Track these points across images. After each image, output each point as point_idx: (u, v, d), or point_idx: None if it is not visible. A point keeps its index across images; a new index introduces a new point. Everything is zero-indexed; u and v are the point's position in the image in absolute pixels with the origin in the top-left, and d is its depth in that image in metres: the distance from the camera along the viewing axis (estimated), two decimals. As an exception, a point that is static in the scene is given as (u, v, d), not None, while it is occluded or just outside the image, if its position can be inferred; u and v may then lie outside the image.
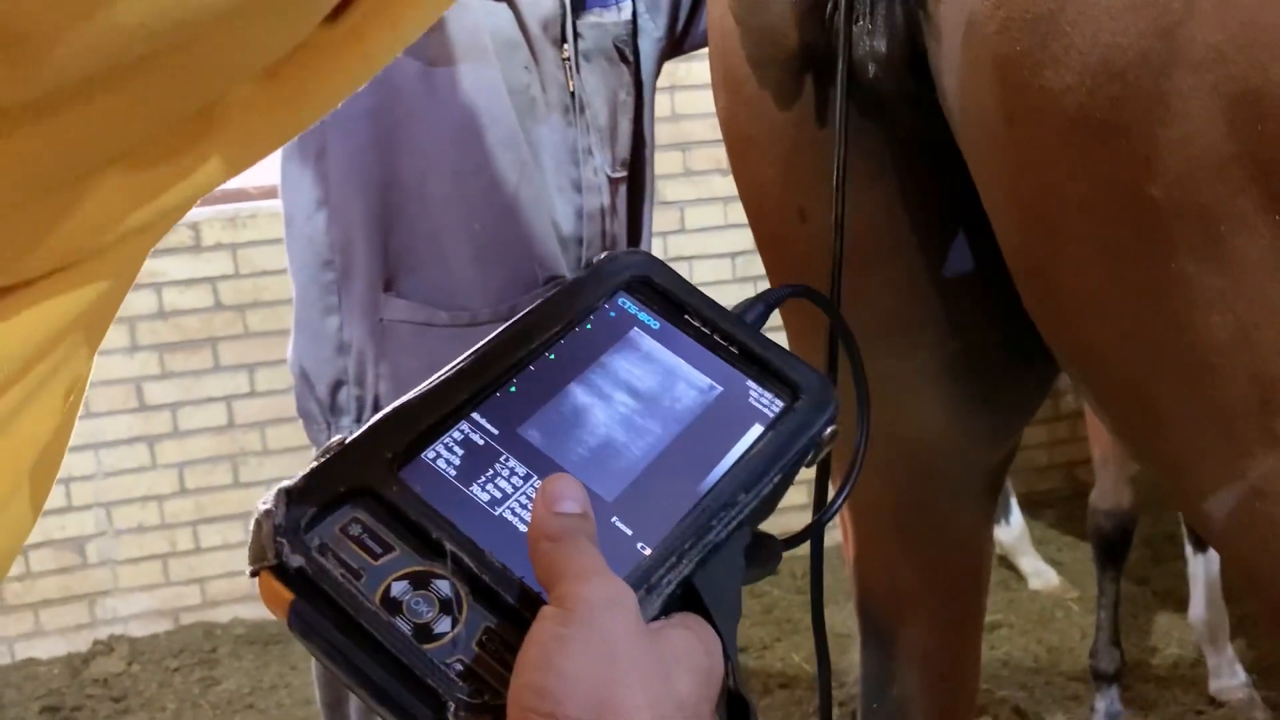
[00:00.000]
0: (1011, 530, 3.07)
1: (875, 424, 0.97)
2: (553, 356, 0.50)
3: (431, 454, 0.46)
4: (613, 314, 0.52)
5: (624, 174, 1.36)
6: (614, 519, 0.45)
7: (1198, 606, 2.42)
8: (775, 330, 0.63)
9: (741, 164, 0.96)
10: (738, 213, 1.15)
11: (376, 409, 1.20)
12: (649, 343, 0.52)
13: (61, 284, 0.37)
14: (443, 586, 0.42)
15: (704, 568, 0.45)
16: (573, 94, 1.28)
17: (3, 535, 0.43)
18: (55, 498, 2.87)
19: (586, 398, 0.49)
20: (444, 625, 0.41)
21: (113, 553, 2.95)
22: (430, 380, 0.48)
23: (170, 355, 2.93)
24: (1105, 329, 0.69)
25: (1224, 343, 0.61)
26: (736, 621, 0.46)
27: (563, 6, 1.26)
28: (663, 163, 3.13)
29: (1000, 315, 0.88)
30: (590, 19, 1.30)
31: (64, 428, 0.46)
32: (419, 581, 0.42)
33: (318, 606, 0.41)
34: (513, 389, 0.49)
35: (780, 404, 0.50)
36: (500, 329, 0.51)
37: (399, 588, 0.41)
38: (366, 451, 0.45)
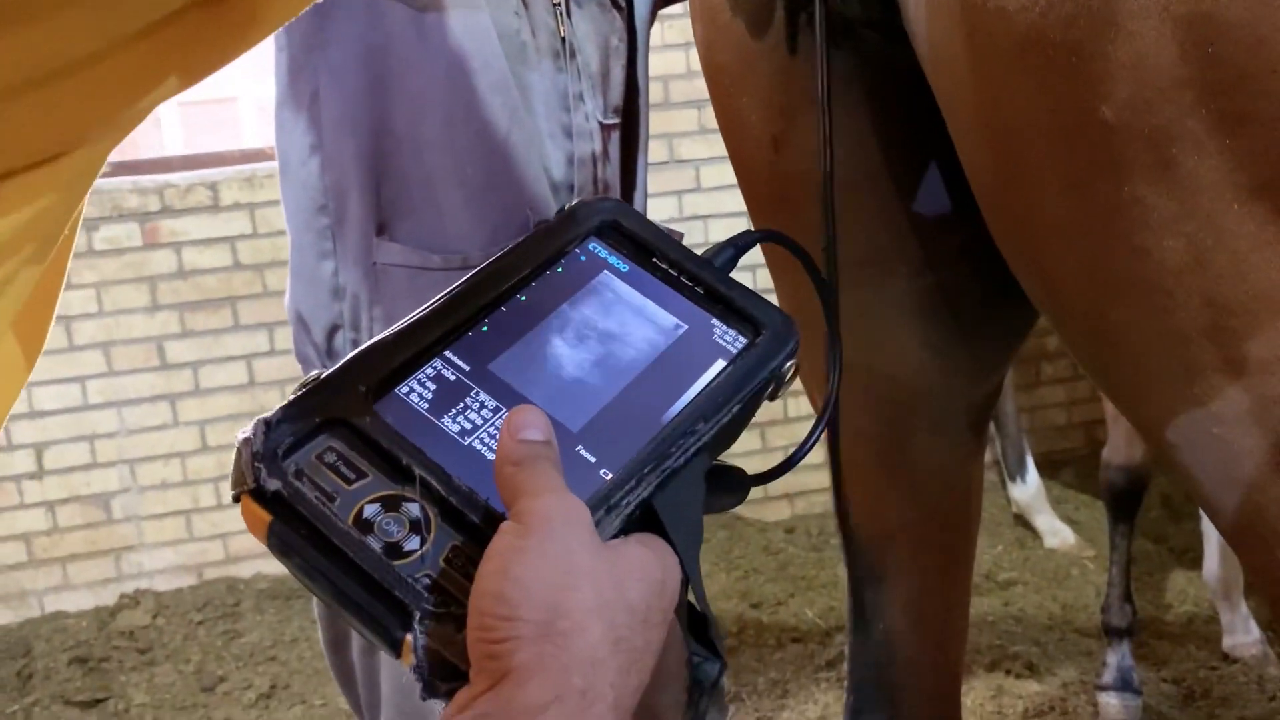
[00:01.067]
0: (1027, 488, 3.07)
1: (854, 356, 0.97)
2: (524, 298, 0.52)
3: (405, 389, 0.48)
4: (583, 258, 0.54)
5: (616, 121, 1.35)
6: (578, 448, 0.47)
7: (1211, 562, 2.41)
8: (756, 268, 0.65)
9: (717, 94, 0.95)
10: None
11: None
12: (617, 284, 0.54)
13: (17, 189, 0.40)
14: (412, 509, 0.44)
15: (663, 491, 0.47)
16: (563, 39, 1.28)
17: None
18: (80, 454, 2.94)
19: (555, 336, 0.51)
20: (413, 544, 0.43)
21: (137, 509, 3.00)
22: (405, 320, 0.50)
23: (191, 314, 2.96)
24: (1063, 256, 0.69)
25: (1177, 267, 0.61)
26: (698, 543, 0.48)
27: None
28: (678, 120, 3.12)
29: (975, 249, 0.87)
30: None
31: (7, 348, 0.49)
32: (390, 504, 0.44)
33: (294, 527, 0.43)
34: (485, 328, 0.51)
35: (743, 341, 0.52)
36: (472, 272, 0.52)
37: (371, 510, 0.43)
38: (342, 385, 0.47)
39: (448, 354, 0.50)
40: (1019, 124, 0.67)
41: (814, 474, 3.24)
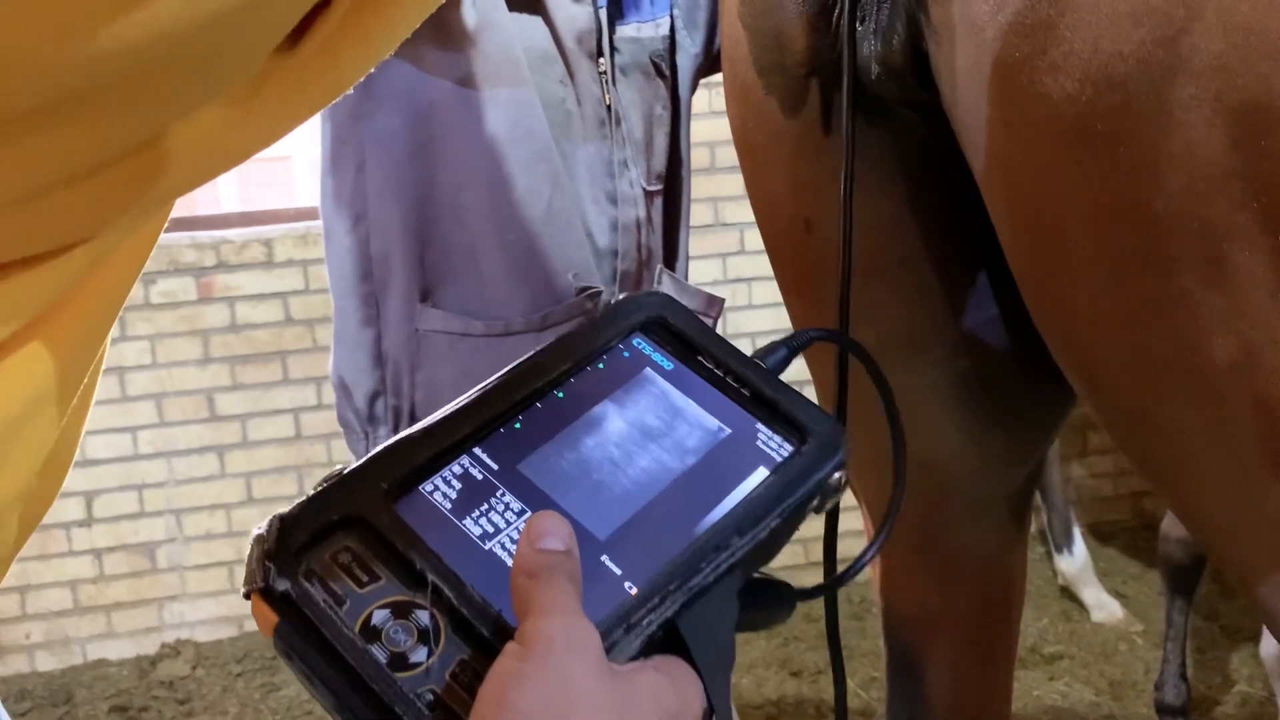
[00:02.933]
0: (1075, 561, 3.01)
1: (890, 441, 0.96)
2: (561, 395, 0.51)
3: (429, 487, 0.47)
4: (626, 354, 0.53)
5: (659, 187, 1.37)
6: (604, 557, 0.45)
7: (1269, 643, 2.34)
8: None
9: (751, 173, 0.95)
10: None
11: (413, 419, 1.22)
12: (660, 383, 0.52)
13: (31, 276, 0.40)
14: (422, 617, 0.42)
15: (689, 610, 0.44)
16: (609, 107, 1.30)
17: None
18: (128, 503, 2.98)
19: (590, 436, 0.49)
20: (419, 655, 0.42)
21: (182, 559, 3.03)
22: (436, 414, 0.49)
23: (241, 367, 3.01)
24: (1108, 349, 0.67)
25: (1227, 365, 0.59)
26: (727, 667, 0.45)
27: (598, 21, 1.28)
28: (724, 184, 3.15)
29: (1013, 332, 0.85)
30: (627, 33, 1.31)
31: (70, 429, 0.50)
32: (400, 611, 0.43)
33: (299, 630, 0.42)
34: (518, 425, 0.49)
35: (789, 448, 0.49)
36: (510, 366, 0.51)
37: (380, 616, 0.42)
38: (364, 482, 0.46)
39: (476, 451, 0.48)
40: (1062, 213, 0.66)
41: (857, 540, 3.20)
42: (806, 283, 0.94)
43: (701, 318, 1.49)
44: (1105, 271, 0.64)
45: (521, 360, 0.51)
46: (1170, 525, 2.17)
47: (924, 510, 0.99)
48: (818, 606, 3.14)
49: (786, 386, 0.52)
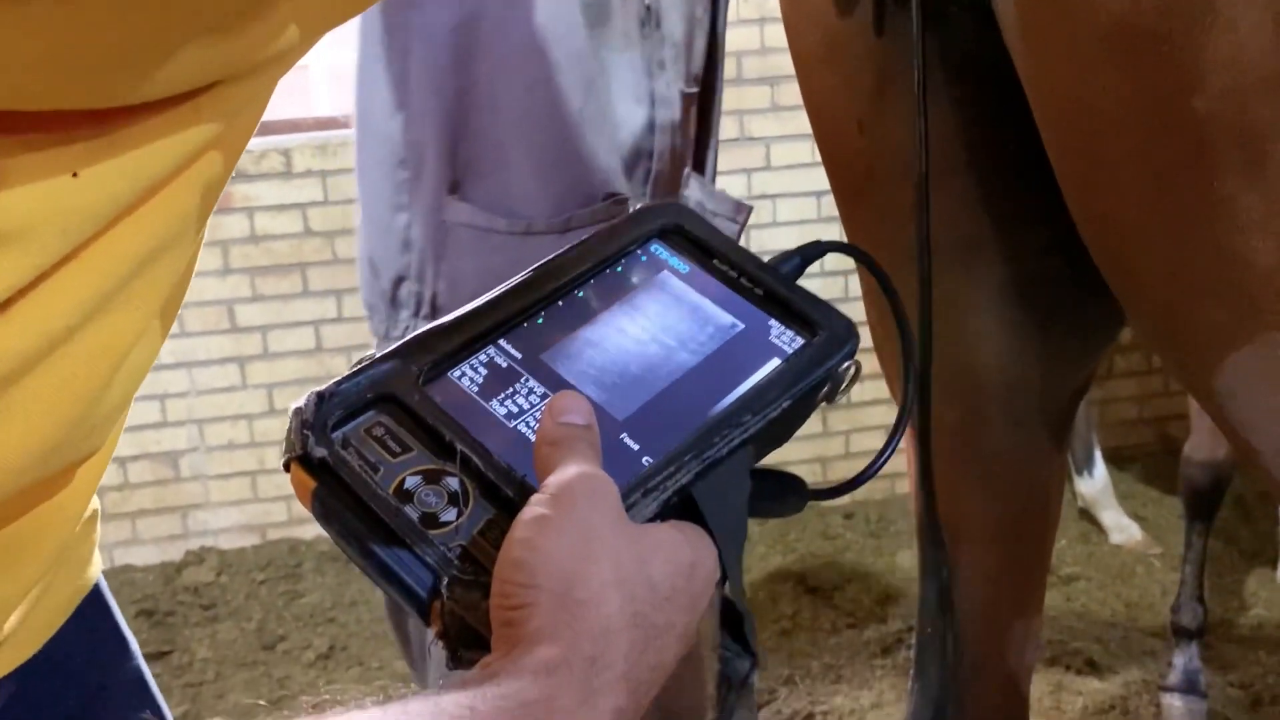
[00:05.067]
0: (1094, 483, 3.01)
1: (936, 345, 0.95)
2: (581, 294, 0.54)
3: (457, 372, 0.50)
4: (644, 258, 0.55)
5: (695, 90, 1.36)
6: (622, 435, 0.48)
7: (1288, 566, 2.35)
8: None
9: (803, 75, 0.94)
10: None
11: (434, 306, 1.25)
12: (677, 284, 0.54)
13: (173, 119, 0.43)
14: (452, 482, 0.45)
15: (703, 480, 0.47)
16: (648, 7, 1.28)
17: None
18: (150, 413, 3.00)
19: (609, 330, 0.52)
20: (450, 515, 0.44)
21: (204, 468, 3.06)
22: (464, 308, 0.52)
23: (261, 279, 3.00)
24: (1146, 251, 0.67)
25: (1265, 268, 0.59)
26: (740, 539, 0.48)
27: None
28: (750, 97, 3.08)
29: (1065, 240, 0.84)
30: None
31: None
32: (431, 477, 0.45)
33: (337, 494, 0.45)
34: (540, 320, 0.52)
35: (800, 341, 0.52)
36: (533, 267, 0.54)
37: (412, 481, 0.45)
38: (396, 365, 0.48)
39: (502, 342, 0.51)
40: (1104, 115, 0.65)
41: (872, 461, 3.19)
42: (861, 184, 0.93)
43: (728, 224, 1.46)
44: (1146, 173, 0.64)
45: (544, 261, 0.54)
46: (1193, 448, 2.16)
47: (964, 415, 1.00)
48: (835, 526, 3.16)
49: (799, 287, 0.54)
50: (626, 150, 1.29)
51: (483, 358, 0.50)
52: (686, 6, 1.31)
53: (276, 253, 3.00)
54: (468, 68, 1.22)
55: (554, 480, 0.42)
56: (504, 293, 0.52)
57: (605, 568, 0.41)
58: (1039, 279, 0.92)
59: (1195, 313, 0.66)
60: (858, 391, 3.33)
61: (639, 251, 0.55)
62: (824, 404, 0.53)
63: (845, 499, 3.36)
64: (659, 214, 0.57)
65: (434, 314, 1.25)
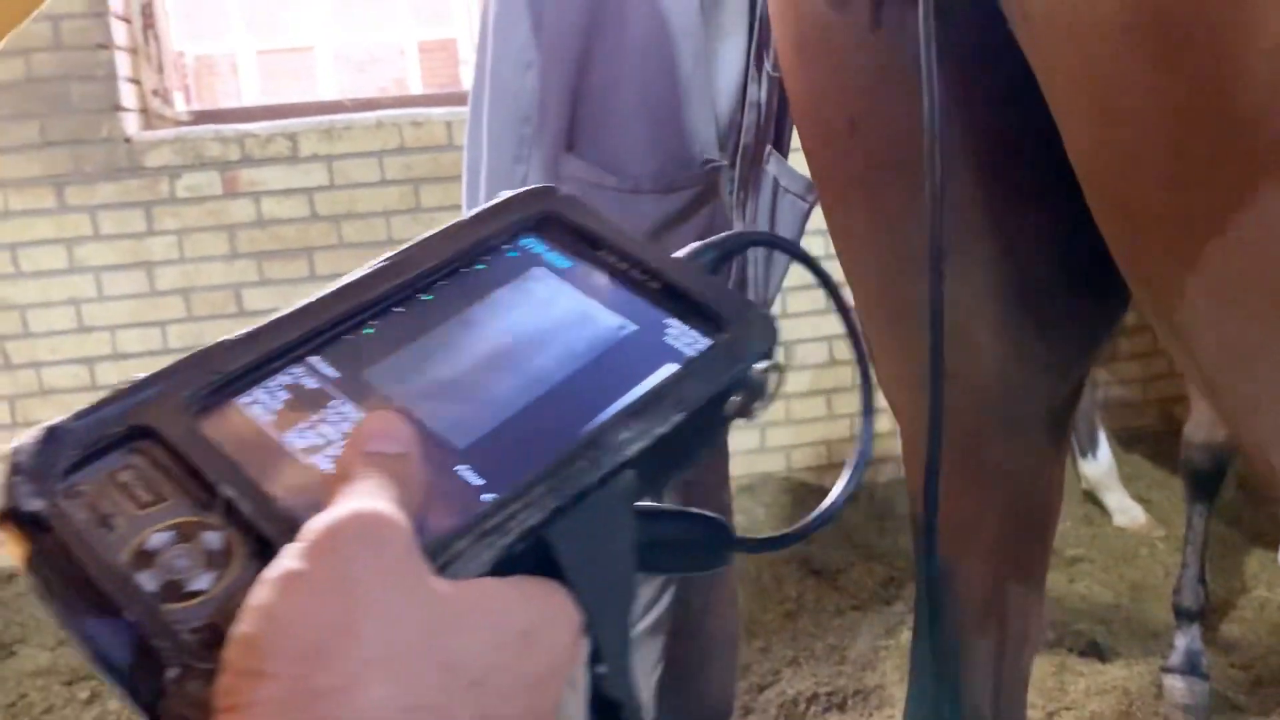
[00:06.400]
0: (1099, 465, 3.02)
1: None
2: (429, 298, 0.43)
3: (248, 398, 0.40)
4: (513, 254, 0.45)
5: (780, 75, 1.42)
6: (461, 469, 0.38)
7: (1290, 549, 2.36)
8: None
9: (792, 69, 0.91)
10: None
11: None
12: (552, 282, 0.44)
13: None
14: (212, 539, 0.35)
15: (563, 519, 0.36)
16: None
17: None
18: (161, 397, 3.02)
19: (460, 340, 0.42)
20: (202, 583, 0.34)
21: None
22: (269, 318, 0.42)
23: (268, 263, 3.02)
24: (1171, 253, 0.65)
25: None
26: (623, 598, 0.38)
27: None
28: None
29: (1060, 242, 0.83)
30: None
31: None
32: (186, 534, 0.35)
33: (54, 559, 0.35)
34: (369, 330, 0.42)
35: (705, 342, 0.42)
36: (368, 266, 0.44)
37: (159, 539, 0.35)
38: (162, 391, 0.39)
39: (313, 359, 0.41)
40: (1131, 109, 0.62)
41: (880, 442, 3.22)
42: (851, 184, 0.91)
43: (803, 202, 1.54)
44: (1174, 172, 0.61)
45: (383, 259, 0.44)
46: (1193, 430, 2.16)
47: (963, 423, 0.98)
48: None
49: (710, 279, 0.45)
50: (722, 123, 1.37)
51: (285, 379, 0.40)
52: None
53: (283, 237, 3.01)
54: (591, 37, 1.31)
55: (317, 524, 0.32)
56: (324, 298, 0.42)
57: (371, 641, 0.30)
58: (1036, 286, 0.90)
59: (1220, 321, 0.63)
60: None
61: (506, 247, 0.46)
62: (744, 419, 0.43)
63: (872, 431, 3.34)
64: (532, 201, 0.47)
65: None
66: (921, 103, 0.75)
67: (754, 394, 0.42)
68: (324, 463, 0.37)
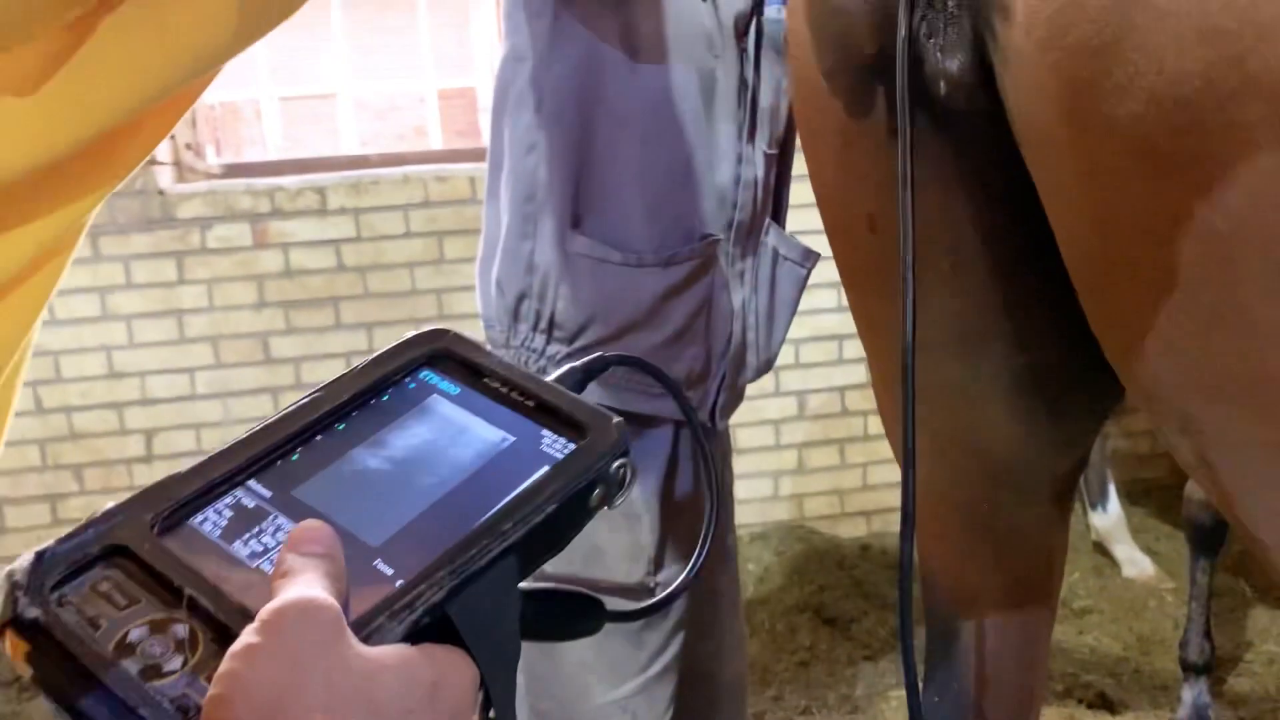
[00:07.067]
0: (1108, 517, 3.05)
1: (947, 429, 0.99)
2: (342, 426, 0.52)
3: (199, 518, 0.47)
4: (411, 385, 0.54)
5: (776, 152, 1.50)
6: (376, 562, 0.46)
7: (1296, 604, 2.38)
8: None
9: (816, 167, 0.96)
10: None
11: (552, 323, 1.40)
12: (445, 406, 0.53)
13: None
14: (180, 630, 0.43)
15: (460, 595, 0.45)
16: (744, 80, 1.43)
17: None
18: (186, 441, 3.09)
19: (371, 459, 0.50)
20: (174, 664, 0.42)
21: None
22: (211, 452, 0.50)
23: (295, 312, 3.09)
24: (1165, 358, 0.68)
25: None
26: (509, 658, 0.46)
27: (752, 4, 1.44)
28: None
29: (1069, 330, 0.87)
30: (771, 14, 1.47)
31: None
32: (158, 627, 0.43)
33: (50, 656, 0.42)
34: (295, 457, 0.50)
35: (571, 446, 0.50)
36: (290, 404, 0.52)
37: (137, 633, 0.43)
38: (131, 515, 0.47)
39: (251, 483, 0.49)
40: (1124, 227, 0.67)
41: (891, 492, 3.26)
42: (869, 277, 0.96)
43: (801, 268, 1.61)
44: (1166, 284, 0.65)
45: (303, 398, 0.53)
46: (1194, 488, 2.20)
47: (974, 496, 1.02)
48: (852, 557, 3.21)
49: (572, 395, 0.54)
50: (719, 201, 1.44)
51: (229, 500, 0.48)
52: (774, 79, 1.47)
53: (310, 287, 3.09)
54: (591, 122, 1.37)
55: (267, 608, 0.40)
56: (258, 432, 0.50)
57: (313, 693, 0.38)
58: (1043, 368, 0.93)
59: (1213, 417, 0.67)
60: (875, 424, 3.39)
61: (407, 380, 0.54)
62: (605, 508, 0.51)
63: (863, 530, 3.41)
64: (426, 340, 0.55)
65: (551, 330, 1.39)
66: (899, 199, 0.80)
67: (613, 486, 0.51)
68: (266, 565, 0.45)
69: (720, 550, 1.59)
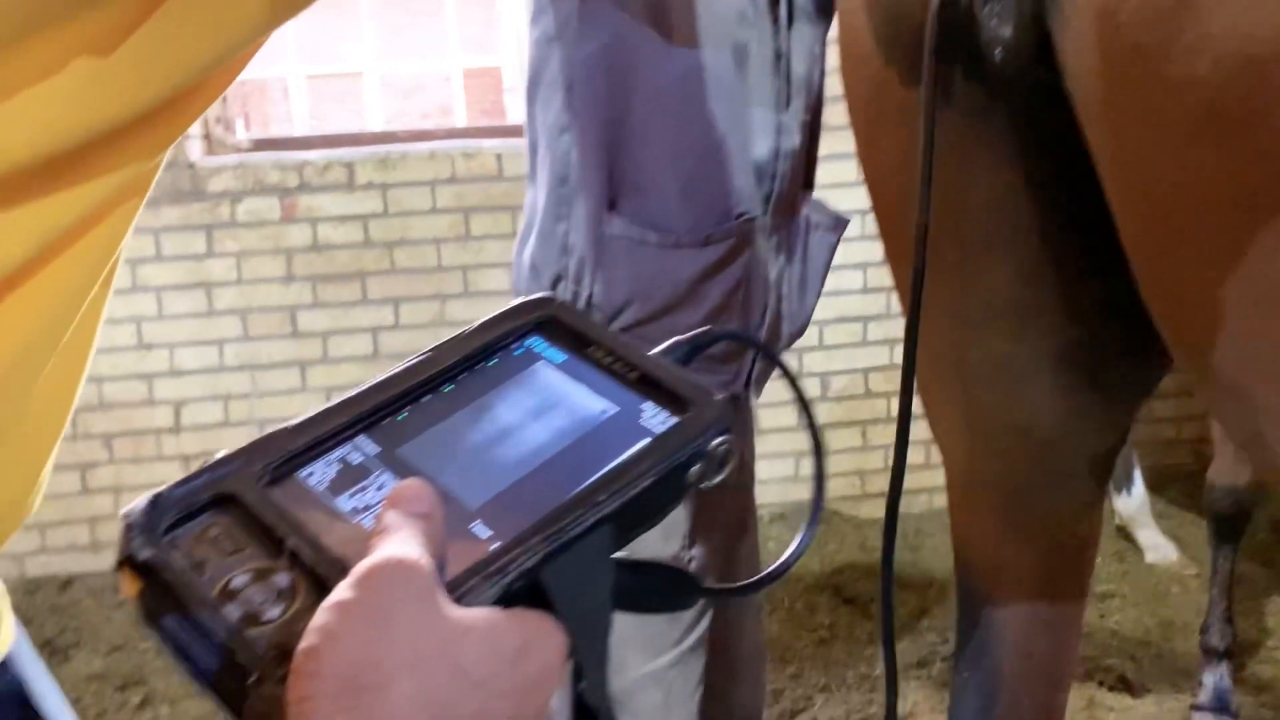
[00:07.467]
0: (1132, 502, 3.04)
1: (988, 407, 0.98)
2: (450, 389, 0.53)
3: (306, 471, 0.49)
4: (518, 351, 0.55)
5: (808, 118, 1.50)
6: (473, 524, 0.47)
7: (1321, 591, 2.37)
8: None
9: (865, 142, 0.96)
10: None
11: (589, 305, 1.40)
12: (549, 373, 0.54)
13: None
14: (281, 580, 0.44)
15: (553, 562, 0.45)
16: (778, 50, 1.43)
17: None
18: (214, 413, 3.12)
19: (476, 421, 0.51)
20: (273, 612, 0.43)
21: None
22: (322, 406, 0.51)
23: (323, 286, 3.12)
24: (1220, 330, 0.67)
25: None
26: (600, 627, 0.46)
27: None
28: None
29: (1117, 304, 0.86)
30: None
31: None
32: (260, 576, 0.44)
33: (159, 596, 0.44)
34: (402, 416, 0.51)
35: (673, 421, 0.51)
36: (402, 364, 0.53)
37: (240, 580, 0.44)
38: (241, 465, 0.48)
39: (359, 438, 0.50)
40: (1184, 195, 0.66)
41: (913, 475, 3.25)
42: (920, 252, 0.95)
43: (832, 235, 1.60)
44: (1225, 255, 0.64)
45: (413, 358, 0.53)
46: (1216, 474, 2.20)
47: (1014, 474, 1.02)
48: (873, 538, 3.21)
49: (676, 369, 0.54)
50: (757, 175, 1.43)
51: (336, 455, 0.49)
52: (807, 46, 1.47)
53: (338, 262, 3.11)
54: (623, 101, 1.37)
55: (362, 565, 0.41)
56: (368, 389, 0.51)
57: (400, 650, 0.39)
58: (1089, 344, 0.92)
59: (1268, 392, 0.66)
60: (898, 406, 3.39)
61: (514, 345, 0.54)
62: (702, 485, 0.51)
63: (884, 511, 3.38)
64: (534, 307, 0.56)
65: (588, 311, 1.39)
66: (921, 177, 0.80)
67: (712, 465, 0.50)
68: (367, 520, 0.46)
69: (739, 523, 1.59)
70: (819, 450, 0.58)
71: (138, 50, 0.51)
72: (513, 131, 3.30)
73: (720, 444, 0.50)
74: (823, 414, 3.37)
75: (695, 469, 0.50)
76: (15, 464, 0.59)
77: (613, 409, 0.51)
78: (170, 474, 3.23)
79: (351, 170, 3.09)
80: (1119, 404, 1.01)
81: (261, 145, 3.23)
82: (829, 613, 2.79)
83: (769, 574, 0.56)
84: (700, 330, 0.59)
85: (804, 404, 0.59)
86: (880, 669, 2.55)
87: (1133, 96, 0.67)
